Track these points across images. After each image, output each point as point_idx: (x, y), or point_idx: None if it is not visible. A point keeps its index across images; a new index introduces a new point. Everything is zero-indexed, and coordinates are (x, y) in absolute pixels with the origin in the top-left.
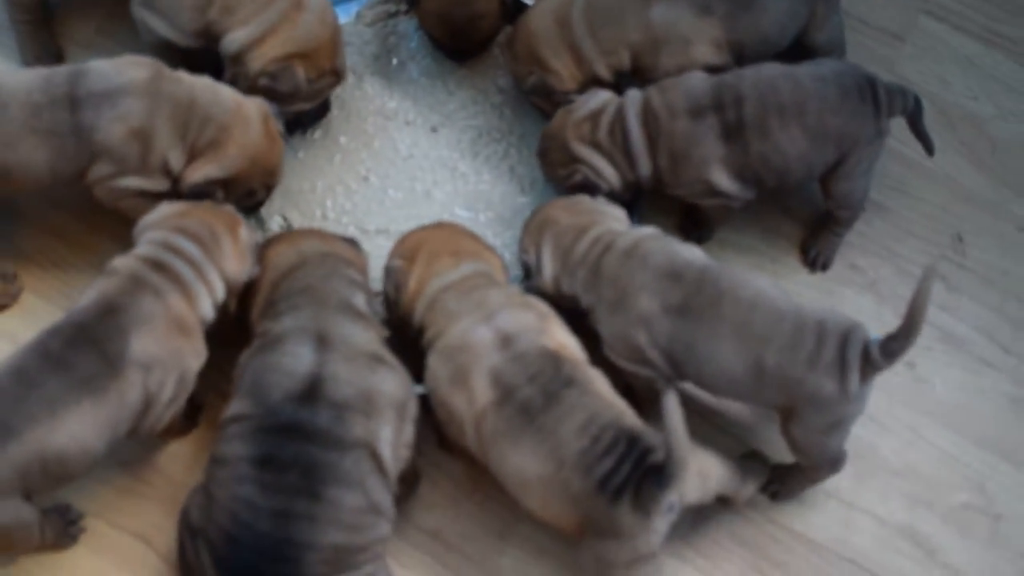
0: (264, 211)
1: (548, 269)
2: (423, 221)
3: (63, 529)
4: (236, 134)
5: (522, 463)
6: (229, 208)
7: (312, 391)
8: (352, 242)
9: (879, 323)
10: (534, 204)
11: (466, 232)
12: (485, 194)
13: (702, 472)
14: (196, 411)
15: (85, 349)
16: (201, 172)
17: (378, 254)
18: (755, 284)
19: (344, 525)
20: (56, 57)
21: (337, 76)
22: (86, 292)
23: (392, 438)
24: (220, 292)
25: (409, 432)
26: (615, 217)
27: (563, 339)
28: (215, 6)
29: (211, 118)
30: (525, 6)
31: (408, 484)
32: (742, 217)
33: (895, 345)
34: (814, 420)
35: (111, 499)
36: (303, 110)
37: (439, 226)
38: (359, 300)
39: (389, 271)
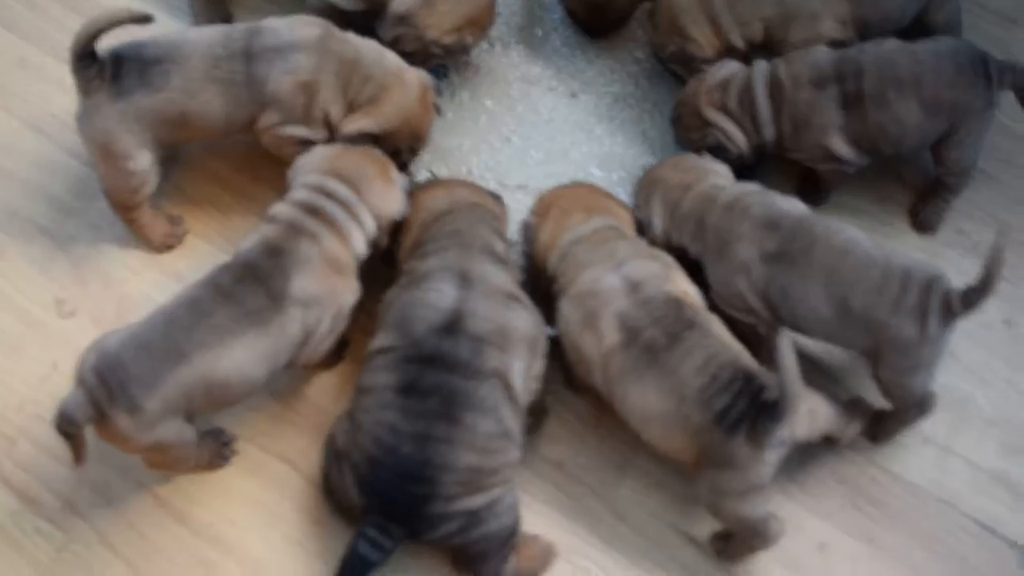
0: (412, 166)
1: (658, 223)
2: (560, 179)
3: (217, 451)
4: (394, 95)
5: (645, 399)
6: (379, 151)
7: (454, 324)
8: (496, 196)
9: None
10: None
11: (598, 190)
12: (618, 156)
13: (811, 411)
14: (343, 346)
15: (252, 286)
16: (357, 124)
17: (517, 208)
18: (847, 233)
19: (478, 448)
20: (227, 21)
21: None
22: (250, 235)
23: (523, 370)
24: (372, 229)
25: (539, 366)
26: (719, 173)
27: (685, 286)
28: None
29: (373, 77)
30: None
31: (536, 418)
32: (856, 182)
33: (974, 295)
34: (897, 362)
35: (262, 425)
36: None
37: (574, 185)
38: (499, 246)
39: (524, 226)
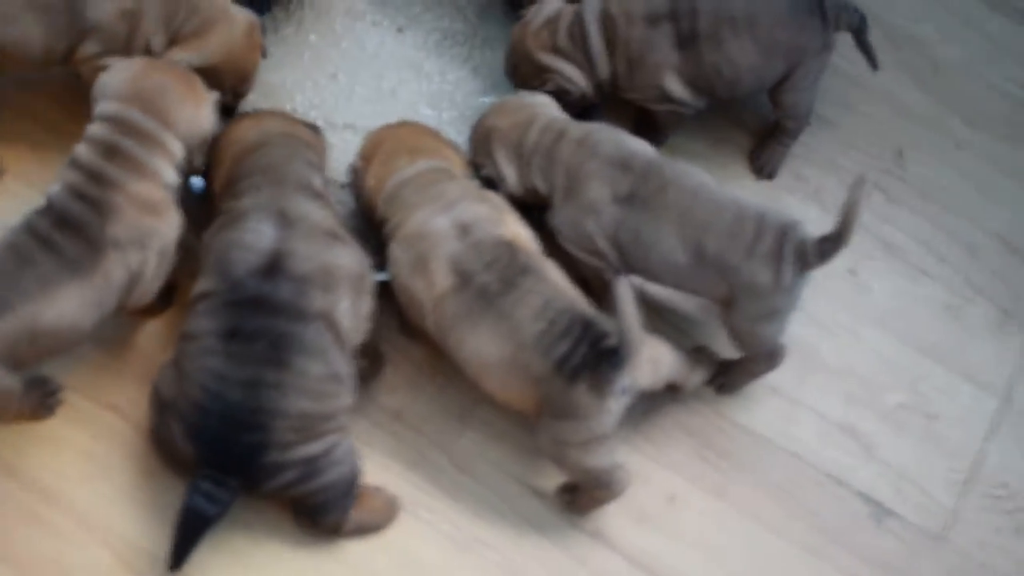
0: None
1: (510, 173)
2: (388, 118)
3: (42, 400)
4: (220, 30)
5: (481, 345)
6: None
7: (274, 266)
8: (313, 126)
9: (821, 231)
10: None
11: (427, 131)
12: (448, 93)
13: (653, 358)
14: (170, 291)
15: (69, 233)
16: (179, 54)
17: (344, 148)
18: (699, 176)
19: (310, 393)
20: None
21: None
22: (56, 180)
23: (350, 309)
24: (180, 154)
25: (366, 304)
26: (546, 104)
27: (518, 230)
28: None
29: (199, 10)
30: None
31: (373, 365)
32: (693, 125)
33: (828, 246)
34: (749, 308)
35: (88, 374)
36: None
37: (401, 125)
38: (317, 180)
39: (352, 170)
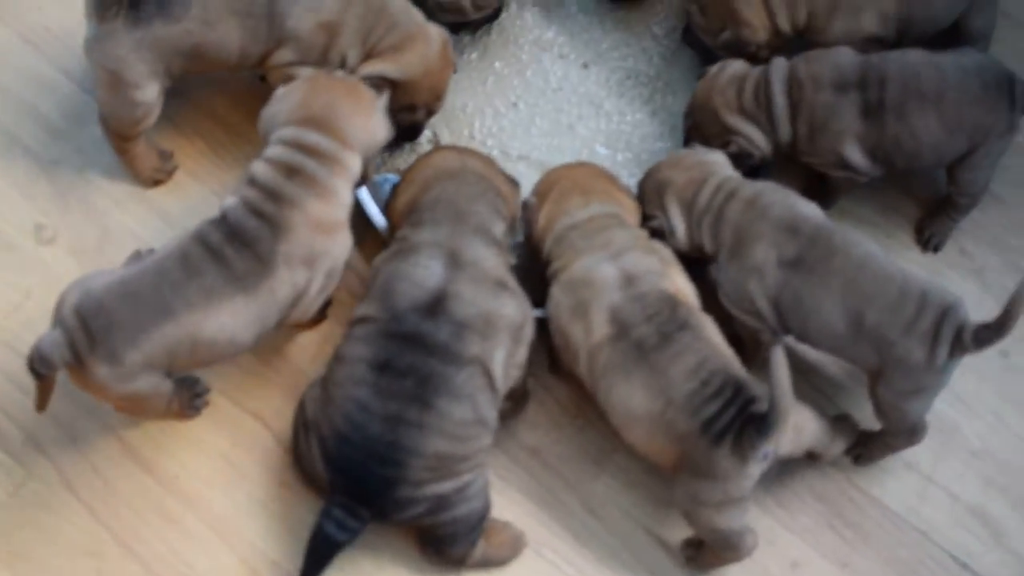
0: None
1: (679, 226)
2: (564, 152)
3: (189, 401)
4: (418, 45)
5: (631, 397)
6: (351, 77)
7: (437, 306)
8: (512, 180)
9: (980, 309)
10: (672, 149)
11: (602, 173)
12: (626, 134)
13: (797, 426)
14: (326, 304)
15: (240, 248)
16: (376, 67)
17: (517, 179)
18: (865, 246)
19: (450, 435)
20: None
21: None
22: (233, 193)
23: (505, 358)
24: (357, 169)
25: (522, 354)
26: (722, 164)
27: (682, 284)
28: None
29: (398, 25)
30: None
31: (516, 402)
32: (862, 191)
33: (988, 333)
34: (899, 384)
35: (238, 379)
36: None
37: (577, 165)
38: (497, 228)
39: (524, 205)
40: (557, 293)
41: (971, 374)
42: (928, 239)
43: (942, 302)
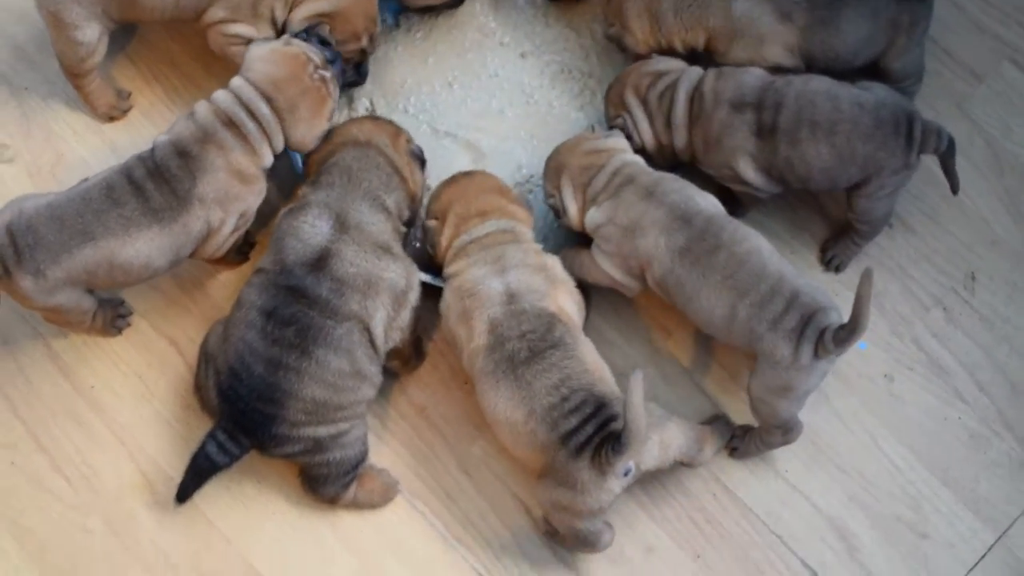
0: (355, 92)
1: (571, 208)
2: (491, 134)
3: (112, 320)
4: None
5: (498, 404)
6: (322, 79)
7: (321, 262)
8: (421, 159)
9: (872, 333)
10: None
11: (496, 187)
12: (550, 125)
13: (663, 442)
14: (249, 246)
15: (161, 184)
16: (310, 7)
17: (441, 154)
18: (753, 242)
19: (327, 383)
20: None
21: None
22: (170, 127)
23: (386, 319)
24: (280, 147)
25: (404, 317)
26: (622, 148)
27: (565, 304)
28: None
29: None
30: None
31: (406, 361)
32: (775, 205)
33: (844, 334)
34: (768, 379)
35: (160, 306)
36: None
37: (470, 181)
38: (390, 199)
39: (425, 230)
40: (449, 296)
41: (854, 395)
42: (831, 259)
43: (811, 304)
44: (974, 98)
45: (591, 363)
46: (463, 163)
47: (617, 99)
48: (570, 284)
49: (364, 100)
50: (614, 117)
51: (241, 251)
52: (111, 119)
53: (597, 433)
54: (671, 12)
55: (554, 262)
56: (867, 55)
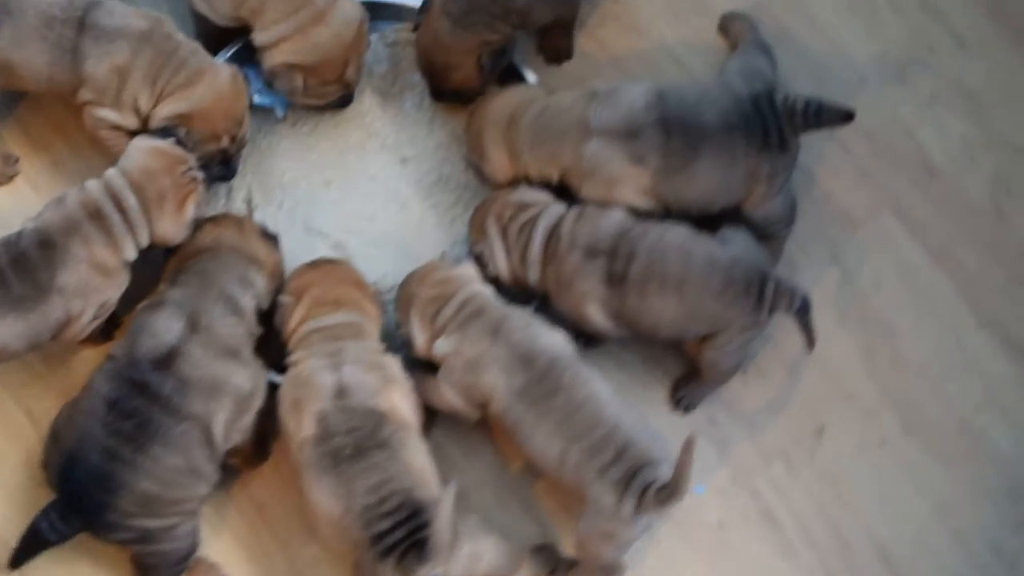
0: (235, 182)
1: (419, 339)
2: (361, 237)
3: None
4: (206, 78)
5: (319, 497)
6: (192, 178)
7: (168, 360)
8: (274, 240)
9: (712, 479)
10: (455, 258)
11: (353, 279)
12: (421, 236)
13: (475, 554)
14: (113, 327)
15: (21, 273)
16: (171, 107)
17: (309, 252)
18: (593, 387)
19: (159, 479)
20: None
21: (347, 86)
22: (41, 210)
23: (227, 422)
24: (145, 242)
25: (247, 421)
26: (471, 278)
27: (398, 404)
28: (247, 5)
29: (186, 65)
30: (517, 74)
31: (247, 460)
32: (632, 339)
33: (664, 495)
34: (593, 522)
35: (23, 376)
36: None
37: (331, 269)
38: (245, 298)
39: (279, 304)
40: (285, 384)
41: (683, 541)
42: (680, 399)
43: (640, 457)
44: (849, 245)
45: (416, 467)
46: None
47: (479, 225)
48: (407, 385)
49: (243, 191)
50: (475, 242)
51: (105, 332)
52: None
53: (407, 538)
54: (527, 146)
55: (393, 362)
56: (724, 203)
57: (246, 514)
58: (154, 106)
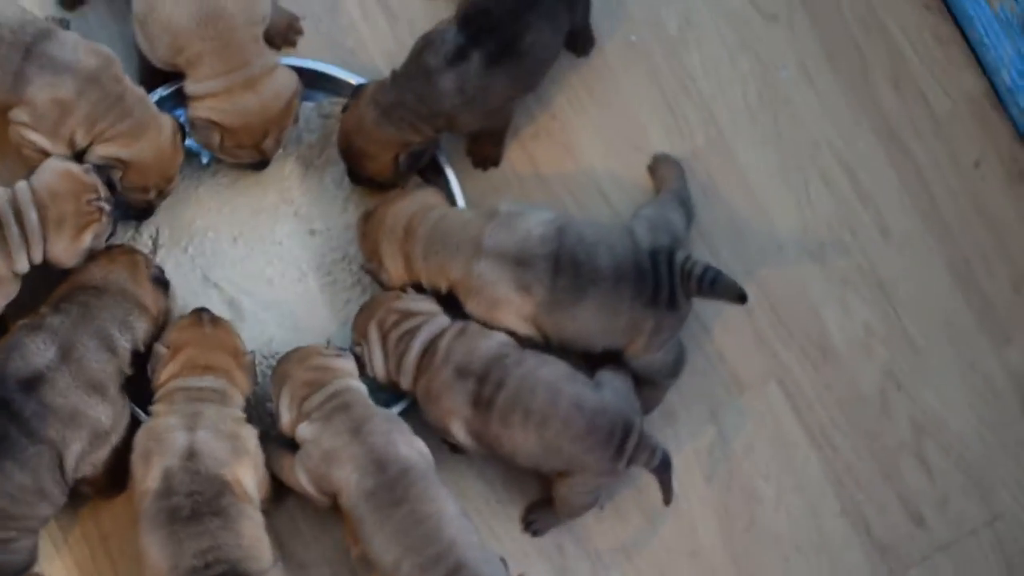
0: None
1: (284, 418)
2: (256, 299)
3: None
4: (150, 132)
5: (151, 548)
6: (97, 208)
7: (33, 383)
8: (165, 287)
9: None
10: (341, 339)
11: (231, 346)
12: (313, 310)
13: None
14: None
15: None
16: (111, 150)
17: (202, 301)
18: (439, 505)
19: (5, 493)
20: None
21: (262, 154)
22: None
23: (80, 453)
24: (39, 259)
25: (101, 456)
26: (349, 371)
27: (244, 477)
28: (183, 55)
29: (131, 114)
30: (437, 167)
31: (99, 490)
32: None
33: None
34: None
35: None
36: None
37: (214, 331)
38: (121, 340)
39: (154, 352)
40: (141, 432)
41: None
42: (530, 523)
43: None
44: (731, 409)
45: (248, 539)
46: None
47: (362, 327)
48: (258, 459)
49: (152, 228)
50: (355, 343)
51: None
52: None
53: None
54: (421, 255)
55: (251, 434)
56: (604, 345)
57: (90, 541)
58: (90, 144)
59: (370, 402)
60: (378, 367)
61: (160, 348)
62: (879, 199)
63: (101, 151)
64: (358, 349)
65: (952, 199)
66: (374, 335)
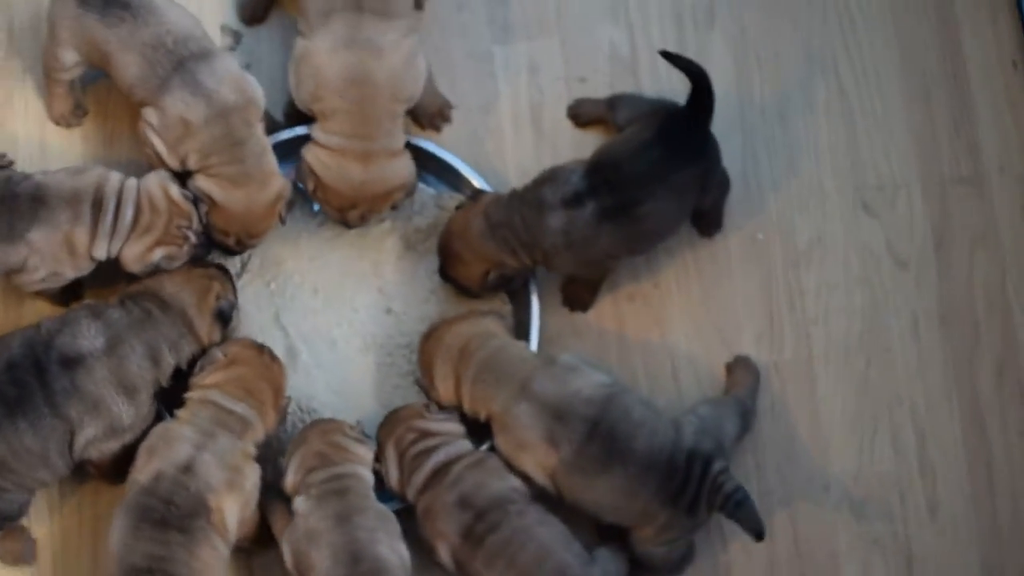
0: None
1: (288, 478)
2: (315, 354)
3: None
4: (252, 186)
5: (112, 535)
6: (182, 236)
7: (73, 363)
8: (225, 325)
9: None
10: (374, 422)
11: (276, 384)
12: (359, 384)
13: None
14: (75, 298)
15: (4, 211)
16: (208, 185)
17: (265, 339)
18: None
19: (12, 448)
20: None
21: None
22: (59, 169)
23: (90, 438)
24: (114, 252)
25: (111, 447)
26: (360, 458)
27: (227, 510)
28: (320, 104)
29: (242, 162)
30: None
31: (105, 475)
32: None
33: None
34: None
35: None
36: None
37: (268, 364)
38: (167, 356)
39: (211, 354)
40: (158, 427)
41: None
42: None
43: None
44: None
45: (201, 564)
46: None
47: (382, 443)
48: (251, 498)
49: (246, 253)
50: (376, 457)
51: (63, 297)
52: (58, 123)
53: None
54: (471, 379)
55: (251, 472)
56: (613, 521)
57: (82, 514)
58: (196, 171)
59: (371, 494)
60: (393, 480)
61: (217, 354)
62: (939, 475)
63: (201, 183)
64: (376, 466)
65: (1013, 504)
66: (391, 452)
